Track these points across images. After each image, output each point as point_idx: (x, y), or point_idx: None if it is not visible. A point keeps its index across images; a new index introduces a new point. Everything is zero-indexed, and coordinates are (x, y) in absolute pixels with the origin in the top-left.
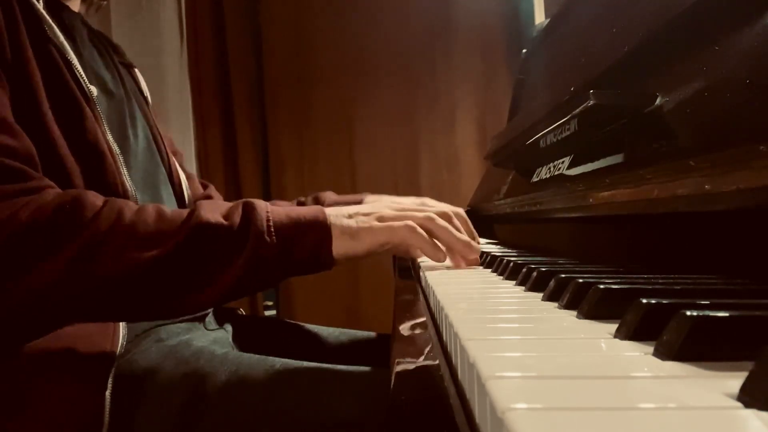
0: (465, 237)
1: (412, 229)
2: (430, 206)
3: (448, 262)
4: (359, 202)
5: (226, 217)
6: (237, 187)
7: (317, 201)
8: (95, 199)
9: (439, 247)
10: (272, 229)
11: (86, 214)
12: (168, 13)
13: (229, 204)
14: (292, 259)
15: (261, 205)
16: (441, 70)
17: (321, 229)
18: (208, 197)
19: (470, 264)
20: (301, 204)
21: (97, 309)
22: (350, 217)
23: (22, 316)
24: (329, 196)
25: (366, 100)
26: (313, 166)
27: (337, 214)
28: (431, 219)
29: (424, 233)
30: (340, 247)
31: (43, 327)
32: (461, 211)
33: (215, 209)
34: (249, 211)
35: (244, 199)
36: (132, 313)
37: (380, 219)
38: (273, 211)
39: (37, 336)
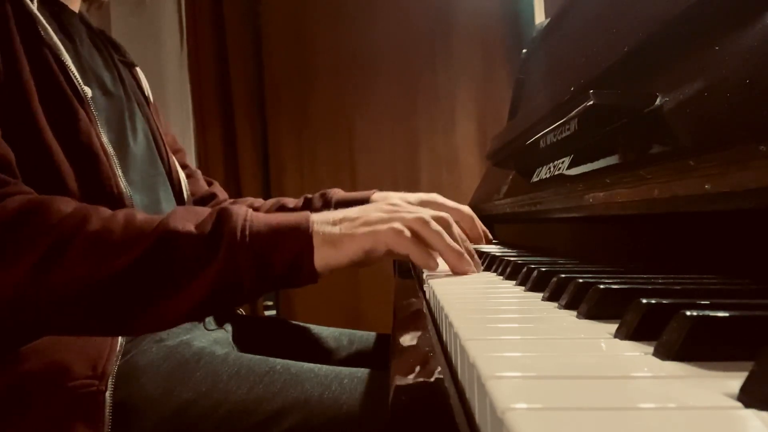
0: (457, 246)
1: (398, 232)
2: (439, 203)
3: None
4: (367, 199)
5: (199, 225)
6: (237, 187)
7: (325, 197)
8: (64, 205)
9: (429, 253)
10: (247, 239)
11: (49, 220)
12: (168, 13)
13: (208, 210)
14: (269, 272)
15: (240, 212)
16: (441, 70)
17: (302, 238)
18: (213, 194)
19: (460, 272)
20: (308, 201)
21: (59, 320)
22: (335, 223)
23: None
24: (337, 192)
25: (366, 100)
26: (313, 165)
27: (323, 220)
28: (423, 222)
29: (411, 236)
30: (321, 257)
31: (7, 338)
32: (468, 210)
33: (190, 217)
34: (224, 219)
35: (223, 206)
36: (96, 326)
37: (366, 223)
38: (253, 218)
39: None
